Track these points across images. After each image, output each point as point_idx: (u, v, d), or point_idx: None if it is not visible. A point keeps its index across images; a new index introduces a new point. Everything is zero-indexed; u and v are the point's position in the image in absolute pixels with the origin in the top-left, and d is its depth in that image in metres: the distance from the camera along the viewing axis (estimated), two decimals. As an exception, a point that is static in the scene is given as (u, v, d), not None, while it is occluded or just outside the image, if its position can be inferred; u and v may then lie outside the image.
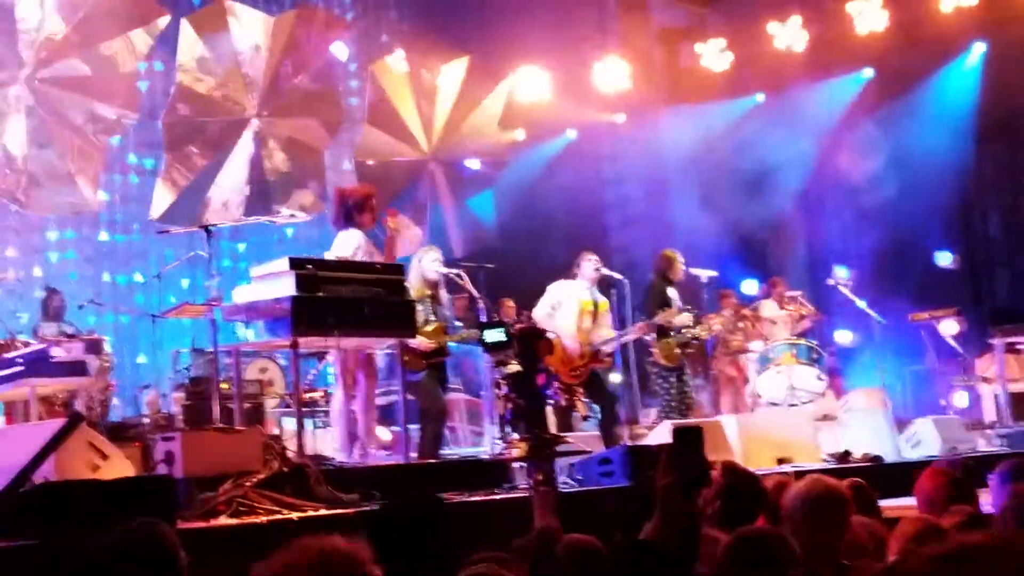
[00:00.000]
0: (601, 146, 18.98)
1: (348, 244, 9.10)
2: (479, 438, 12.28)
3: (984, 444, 11.90)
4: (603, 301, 11.25)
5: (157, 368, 11.44)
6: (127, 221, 15.00)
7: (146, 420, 10.11)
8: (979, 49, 17.27)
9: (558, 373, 10.77)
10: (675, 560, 3.42)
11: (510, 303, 13.46)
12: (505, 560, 3.92)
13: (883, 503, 6.32)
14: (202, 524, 6.10)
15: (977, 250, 17.18)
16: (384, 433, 12.34)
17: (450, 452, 11.41)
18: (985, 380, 14.65)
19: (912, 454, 11.03)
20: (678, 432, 3.72)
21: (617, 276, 11.52)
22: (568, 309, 11.01)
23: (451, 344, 10.20)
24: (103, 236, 14.84)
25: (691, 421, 11.06)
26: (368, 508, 6.72)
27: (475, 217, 17.03)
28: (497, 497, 7.24)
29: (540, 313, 10.88)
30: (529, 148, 17.74)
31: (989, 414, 14.32)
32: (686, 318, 11.82)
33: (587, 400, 11.03)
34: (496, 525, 5.76)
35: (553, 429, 10.59)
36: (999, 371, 13.74)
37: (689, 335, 11.80)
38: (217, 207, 14.64)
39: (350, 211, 9.29)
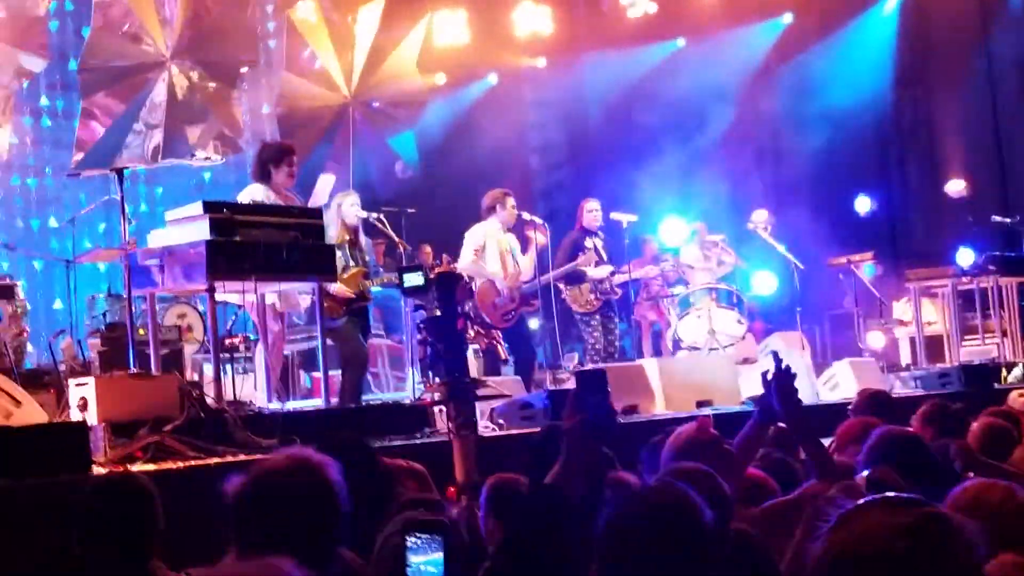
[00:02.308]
0: (523, 91, 18.88)
1: (246, 198, 8.94)
2: (402, 383, 12.25)
3: (900, 386, 12.09)
4: (512, 238, 11.25)
5: (73, 314, 11.24)
6: (39, 164, 14.70)
7: (61, 366, 9.94)
8: (897, -5, 17.42)
9: (491, 318, 10.74)
10: (579, 505, 3.38)
11: (427, 248, 13.41)
12: (437, 503, 3.90)
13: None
14: (118, 470, 6.02)
15: (895, 194, 17.35)
16: (305, 379, 12.30)
17: (372, 397, 11.38)
18: (901, 323, 14.87)
19: (830, 396, 11.17)
20: (582, 376, 3.70)
21: (538, 220, 11.50)
22: (491, 252, 10.97)
23: (373, 289, 10.13)
24: (14, 180, 14.54)
25: (612, 365, 11.12)
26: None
27: (399, 159, 16.90)
28: (417, 441, 7.22)
29: (464, 261, 10.79)
30: (450, 92, 17.62)
31: (905, 357, 14.55)
32: (603, 270, 11.86)
33: (507, 344, 11.03)
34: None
35: (479, 373, 10.60)
36: (915, 314, 13.94)
37: (608, 284, 11.85)
38: (134, 151, 14.41)
39: (265, 165, 9.15)
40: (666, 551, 2.75)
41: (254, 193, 8.97)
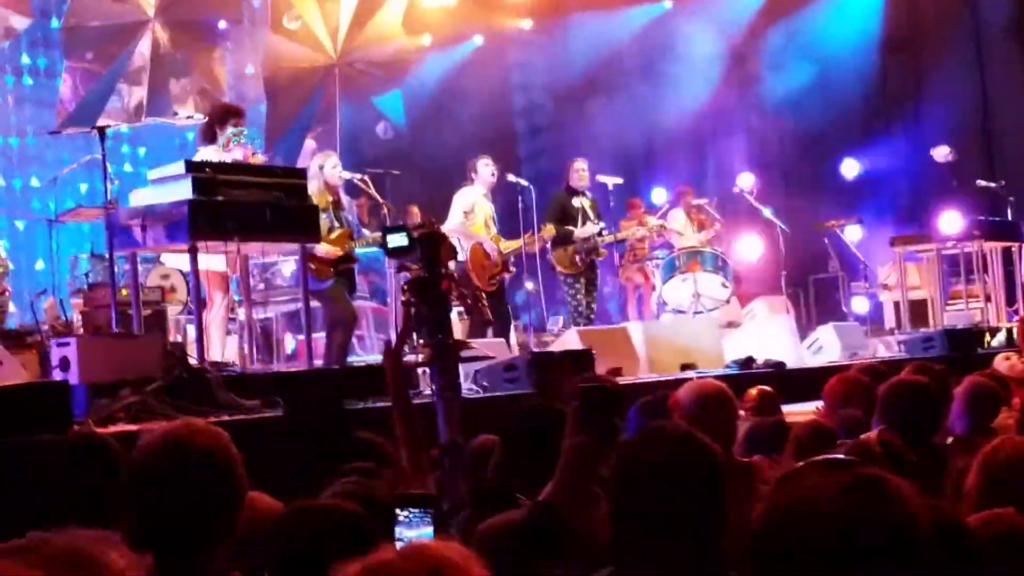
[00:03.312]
0: (508, 52, 18.79)
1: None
2: (387, 346, 12.21)
3: (884, 350, 12.13)
4: (490, 207, 11.22)
5: (55, 274, 11.20)
6: (21, 124, 14.59)
7: (44, 326, 9.90)
8: (886, -41, 17.33)
9: (478, 279, 10.71)
10: (576, 524, 3.30)
11: (415, 209, 13.36)
12: (373, 472, 3.88)
13: (784, 408, 6.41)
14: (99, 431, 5.99)
15: (881, 158, 17.32)
16: (289, 341, 12.26)
17: (357, 359, 11.36)
18: (886, 287, 14.89)
19: (813, 360, 11.19)
20: (587, 392, 3.55)
21: (523, 183, 11.46)
22: (479, 216, 10.95)
23: (358, 251, 10.06)
24: (-4, 139, 14.46)
25: (597, 328, 11.13)
26: (270, 415, 6.66)
27: (382, 119, 16.82)
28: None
29: (454, 223, 10.73)
30: (435, 53, 17.51)
31: (889, 321, 14.58)
32: (589, 228, 11.82)
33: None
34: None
35: (464, 335, 10.57)
36: (899, 279, 13.97)
37: (594, 243, 11.81)
38: (116, 109, 14.33)
39: (211, 127, 9.01)
40: (681, 487, 2.72)
41: (206, 156, 8.77)
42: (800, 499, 2.09)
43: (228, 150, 8.70)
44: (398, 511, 2.84)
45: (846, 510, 2.03)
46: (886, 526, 2.04)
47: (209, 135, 8.99)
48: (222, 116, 9.02)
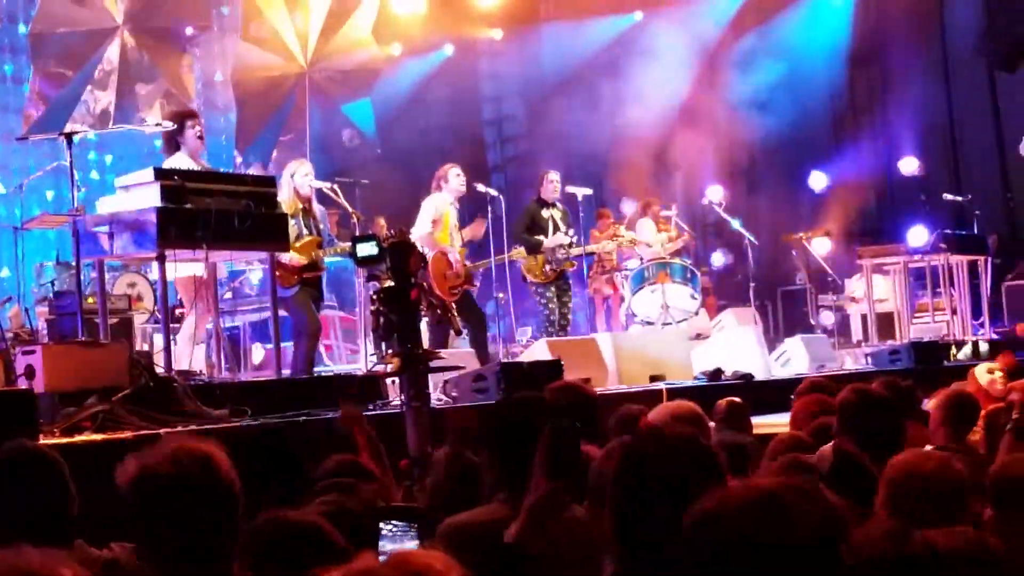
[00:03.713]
0: (479, 63, 18.81)
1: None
2: (355, 356, 12.19)
3: (851, 362, 12.19)
4: (456, 216, 11.19)
5: (20, 282, 11.09)
6: (-16, 129, 14.49)
7: (9, 334, 9.80)
8: (854, -26, 17.44)
9: (439, 289, 10.68)
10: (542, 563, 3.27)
11: (381, 221, 13.32)
12: (351, 486, 3.86)
13: (753, 419, 6.41)
14: (65, 439, 5.94)
15: (848, 171, 17.43)
16: (257, 350, 12.21)
17: (325, 369, 11.31)
18: (854, 300, 14.96)
19: (782, 372, 11.22)
20: (555, 432, 3.50)
21: (493, 192, 11.44)
22: (445, 225, 10.91)
23: (327, 260, 10.00)
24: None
25: (566, 339, 11.12)
26: (237, 424, 6.63)
27: (348, 128, 16.77)
28: (369, 413, 7.17)
29: (422, 231, 10.67)
30: (406, 63, 17.50)
31: (857, 333, 14.65)
32: (559, 238, 11.80)
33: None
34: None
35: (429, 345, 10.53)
36: (867, 291, 14.04)
37: (564, 255, 11.80)
38: (83, 116, 14.23)
39: (172, 137, 8.95)
40: (681, 487, 2.70)
41: (178, 164, 8.71)
42: (723, 506, 2.17)
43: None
44: (382, 525, 2.82)
45: (769, 519, 2.11)
46: (809, 538, 2.10)
47: (172, 145, 8.93)
48: (180, 123, 8.95)
